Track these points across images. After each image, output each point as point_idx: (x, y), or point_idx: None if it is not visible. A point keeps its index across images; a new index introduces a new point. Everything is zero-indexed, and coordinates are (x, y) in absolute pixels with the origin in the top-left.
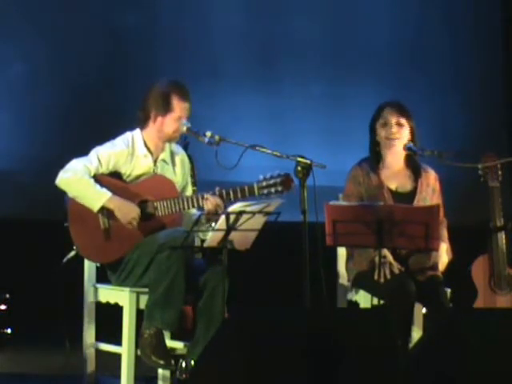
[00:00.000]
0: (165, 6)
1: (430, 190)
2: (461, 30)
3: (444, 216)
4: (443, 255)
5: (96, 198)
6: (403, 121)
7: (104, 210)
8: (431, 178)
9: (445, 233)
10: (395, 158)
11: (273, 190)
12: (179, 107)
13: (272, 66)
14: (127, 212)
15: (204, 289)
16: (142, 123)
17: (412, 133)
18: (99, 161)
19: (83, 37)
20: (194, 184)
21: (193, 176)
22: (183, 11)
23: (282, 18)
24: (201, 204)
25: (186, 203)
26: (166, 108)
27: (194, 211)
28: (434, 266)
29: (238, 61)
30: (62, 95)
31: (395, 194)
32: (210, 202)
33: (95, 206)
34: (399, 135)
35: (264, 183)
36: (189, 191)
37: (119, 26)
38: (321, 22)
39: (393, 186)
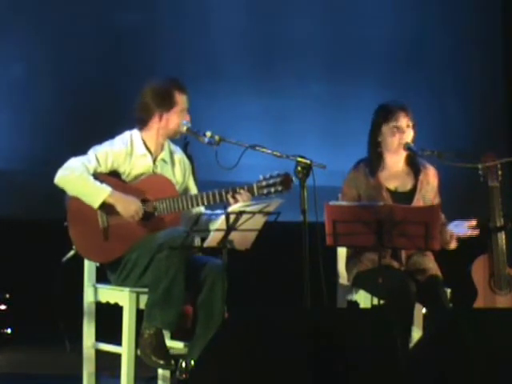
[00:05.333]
0: (165, 5)
1: (430, 188)
2: (461, 30)
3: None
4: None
5: (96, 193)
6: (410, 123)
7: (103, 209)
8: (430, 175)
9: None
10: (396, 158)
11: (272, 189)
12: (181, 100)
13: (272, 66)
14: (129, 206)
15: (204, 283)
16: (142, 124)
17: (414, 130)
18: (97, 160)
19: (83, 37)
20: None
21: (194, 176)
22: (183, 11)
23: (282, 18)
24: (225, 199)
25: (188, 202)
26: (170, 104)
27: (198, 210)
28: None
29: (237, 61)
30: (62, 95)
31: (394, 194)
32: (246, 195)
33: (96, 202)
34: (408, 138)
35: (264, 183)
36: (193, 191)
37: (119, 25)
38: (321, 22)
39: (392, 186)
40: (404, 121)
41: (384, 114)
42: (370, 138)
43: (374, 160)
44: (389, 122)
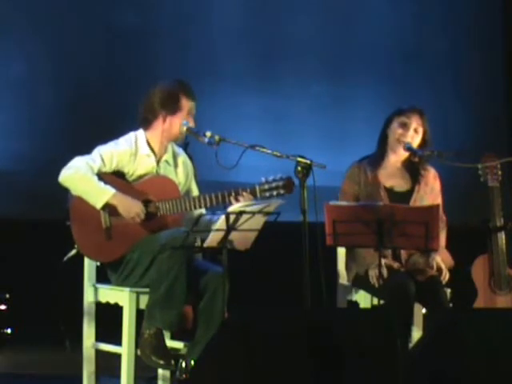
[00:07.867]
0: (165, 5)
1: (429, 189)
2: (461, 30)
3: (443, 213)
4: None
5: (100, 194)
6: (420, 129)
7: (106, 209)
8: (430, 177)
9: (442, 241)
10: (396, 157)
11: (274, 192)
12: (187, 106)
13: (272, 66)
14: (130, 208)
15: (205, 290)
16: (147, 124)
17: (424, 138)
18: (102, 160)
19: (83, 37)
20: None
21: (195, 178)
22: (184, 11)
23: (283, 18)
24: (227, 200)
25: (190, 203)
26: (175, 108)
27: (199, 210)
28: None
29: (238, 60)
30: (62, 95)
31: (391, 193)
32: (249, 197)
33: (99, 203)
34: (411, 140)
35: (266, 186)
36: (195, 193)
37: (119, 25)
38: (321, 22)
39: (389, 185)
40: (414, 121)
41: (399, 110)
42: (381, 131)
43: (379, 152)
44: (400, 116)
